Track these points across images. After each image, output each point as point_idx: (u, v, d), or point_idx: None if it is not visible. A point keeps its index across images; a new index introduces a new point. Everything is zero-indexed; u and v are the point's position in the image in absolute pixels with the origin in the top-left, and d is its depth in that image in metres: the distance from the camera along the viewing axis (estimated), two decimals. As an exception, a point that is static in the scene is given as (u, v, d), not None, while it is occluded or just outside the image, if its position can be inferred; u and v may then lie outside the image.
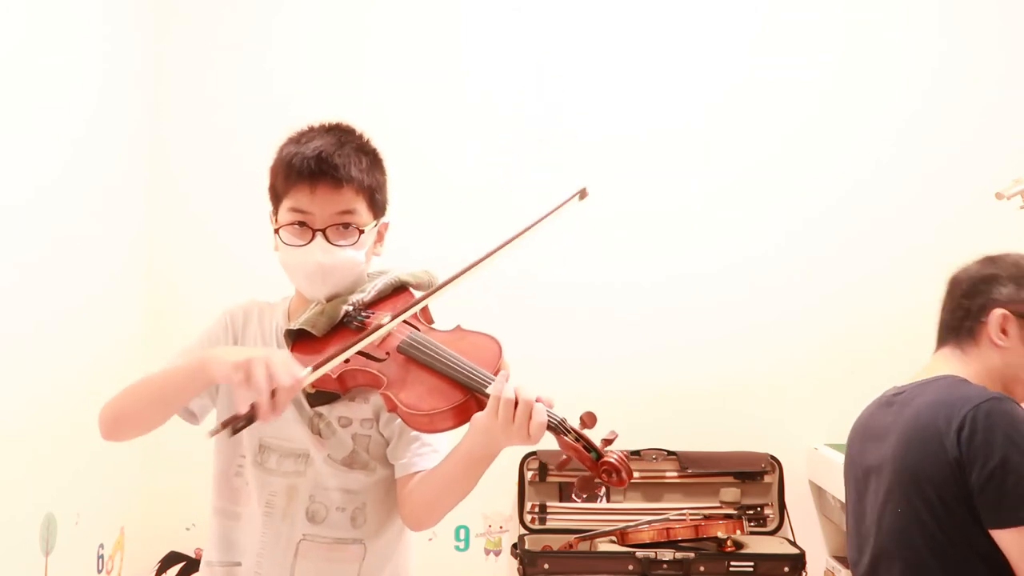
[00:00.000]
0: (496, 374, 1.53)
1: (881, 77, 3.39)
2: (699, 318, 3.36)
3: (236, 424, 1.44)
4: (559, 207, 1.61)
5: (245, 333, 1.74)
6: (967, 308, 1.90)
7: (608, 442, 1.47)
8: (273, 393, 1.43)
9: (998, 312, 1.85)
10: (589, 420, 1.48)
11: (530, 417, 1.44)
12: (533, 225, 1.60)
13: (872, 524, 1.90)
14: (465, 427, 1.54)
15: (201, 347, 1.73)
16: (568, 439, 1.47)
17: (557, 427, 1.47)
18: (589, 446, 1.47)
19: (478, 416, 1.51)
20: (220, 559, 1.73)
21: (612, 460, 1.46)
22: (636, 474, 3.23)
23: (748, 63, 3.40)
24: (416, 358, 1.58)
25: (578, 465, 1.49)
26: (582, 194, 1.63)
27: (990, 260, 1.94)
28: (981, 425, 1.72)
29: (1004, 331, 1.85)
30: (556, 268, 3.35)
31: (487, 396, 1.48)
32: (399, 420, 1.65)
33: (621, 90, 3.39)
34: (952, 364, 1.90)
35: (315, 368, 1.51)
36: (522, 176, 3.33)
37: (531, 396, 1.45)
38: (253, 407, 1.43)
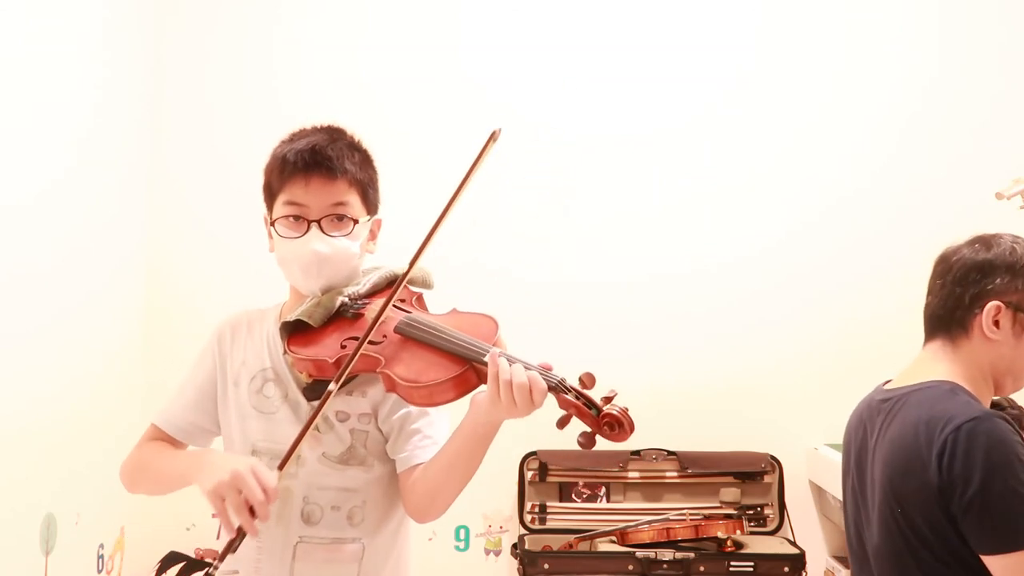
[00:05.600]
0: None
1: (881, 77, 3.39)
2: (699, 318, 3.36)
3: (232, 547, 1.52)
4: (479, 158, 1.64)
5: (233, 351, 1.76)
6: (959, 297, 1.82)
7: (608, 400, 1.48)
8: (252, 511, 1.50)
9: (992, 304, 1.78)
10: (588, 380, 1.48)
11: (530, 388, 1.45)
12: (464, 181, 1.62)
13: (867, 543, 1.88)
14: (462, 407, 1.55)
15: (192, 380, 1.77)
16: (568, 397, 1.48)
17: (556, 386, 1.48)
18: (589, 403, 1.47)
19: (479, 396, 1.52)
20: (222, 568, 1.73)
21: (614, 412, 1.46)
22: (636, 474, 3.27)
23: (747, 63, 3.41)
24: (413, 336, 1.59)
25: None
26: (494, 136, 1.65)
27: (984, 244, 1.85)
28: (961, 449, 1.66)
29: (996, 323, 1.78)
30: (554, 268, 3.36)
31: (485, 365, 1.48)
32: (398, 415, 1.66)
33: (622, 90, 3.39)
34: (943, 362, 1.83)
35: (312, 416, 1.56)
36: (521, 175, 3.33)
37: (528, 368, 1.46)
38: (239, 530, 1.51)
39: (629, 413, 1.46)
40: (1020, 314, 1.80)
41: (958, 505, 1.67)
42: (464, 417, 1.57)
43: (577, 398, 1.47)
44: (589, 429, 1.47)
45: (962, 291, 1.82)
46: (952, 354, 1.83)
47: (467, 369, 1.52)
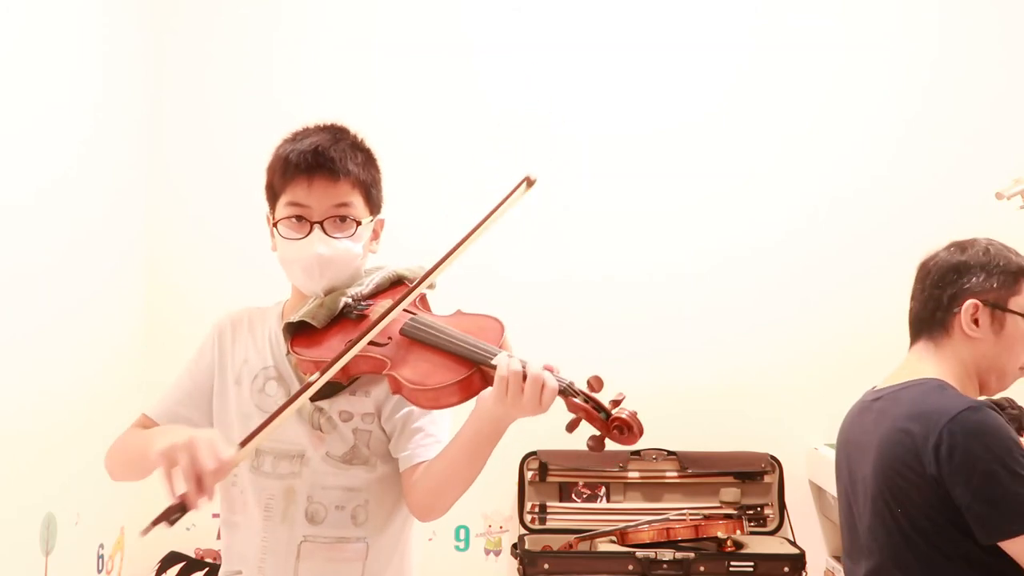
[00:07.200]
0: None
1: (881, 77, 3.39)
2: (699, 318, 3.36)
3: (169, 516, 1.41)
4: (507, 199, 1.64)
5: (235, 348, 1.75)
6: (938, 298, 1.88)
7: (616, 403, 1.48)
8: (199, 479, 1.40)
9: (969, 303, 1.84)
10: (596, 384, 1.47)
11: (541, 387, 1.44)
12: (485, 220, 1.61)
13: (864, 538, 1.89)
14: (466, 406, 1.54)
15: (189, 372, 1.76)
16: (577, 400, 1.47)
17: (565, 390, 1.47)
18: (598, 406, 1.47)
19: (485, 394, 1.51)
20: (225, 569, 1.75)
21: (623, 416, 1.46)
22: (636, 474, 3.27)
23: (746, 63, 3.41)
24: (419, 338, 1.58)
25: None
26: (528, 183, 1.64)
27: (959, 247, 1.92)
28: (959, 440, 1.69)
29: (976, 321, 1.84)
30: (555, 268, 3.36)
31: (492, 368, 1.47)
32: (400, 414, 1.66)
33: (622, 90, 3.39)
34: (928, 362, 1.88)
35: (290, 398, 1.52)
36: (520, 175, 3.32)
37: (538, 367, 1.45)
38: (182, 497, 1.40)
39: (638, 416, 1.46)
40: (997, 311, 1.85)
41: (963, 496, 1.69)
42: (468, 417, 1.56)
43: (586, 401, 1.47)
44: (598, 433, 1.47)
45: (940, 292, 1.88)
46: (936, 354, 1.88)
47: (474, 372, 1.51)
